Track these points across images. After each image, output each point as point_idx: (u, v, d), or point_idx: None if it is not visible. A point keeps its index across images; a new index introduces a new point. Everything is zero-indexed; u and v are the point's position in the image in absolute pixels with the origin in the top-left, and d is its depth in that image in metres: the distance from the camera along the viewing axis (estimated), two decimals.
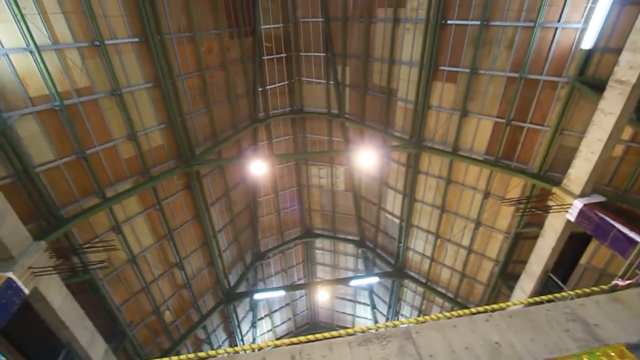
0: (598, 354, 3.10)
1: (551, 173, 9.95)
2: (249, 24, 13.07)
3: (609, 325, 3.43)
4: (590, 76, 8.49)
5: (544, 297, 4.43)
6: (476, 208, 12.22)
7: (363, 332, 3.70)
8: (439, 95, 11.60)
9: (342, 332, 3.70)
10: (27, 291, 6.40)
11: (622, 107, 7.06)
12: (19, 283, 6.23)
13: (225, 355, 4.06)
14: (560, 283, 9.22)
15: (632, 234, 7.07)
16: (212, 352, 4.04)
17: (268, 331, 20.40)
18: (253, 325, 18.59)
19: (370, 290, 19.27)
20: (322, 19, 13.53)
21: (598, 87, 7.88)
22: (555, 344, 3.30)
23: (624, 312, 3.58)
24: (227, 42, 12.26)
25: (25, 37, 6.95)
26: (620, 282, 4.37)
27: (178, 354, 12.99)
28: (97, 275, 9.44)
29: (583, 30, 8.32)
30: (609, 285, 4.22)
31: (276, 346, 3.89)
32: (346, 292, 20.38)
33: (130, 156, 9.86)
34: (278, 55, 14.39)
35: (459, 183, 12.42)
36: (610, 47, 8.04)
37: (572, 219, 8.32)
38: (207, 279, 14.50)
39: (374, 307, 19.58)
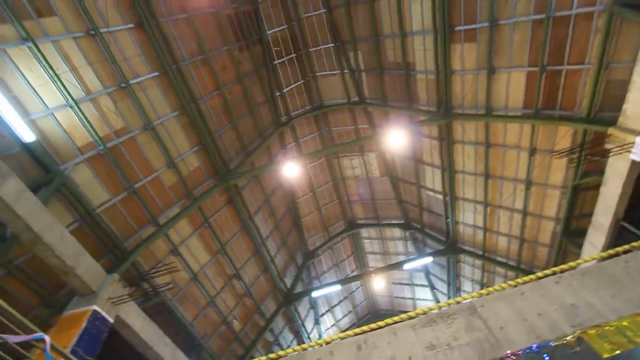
0: None
1: (602, 113, 9.03)
2: (255, 33, 13.28)
3: None
4: None
5: (619, 249, 4.06)
6: (524, 167, 11.46)
7: (425, 313, 3.65)
8: (459, 58, 11.00)
9: (403, 316, 3.67)
10: (111, 320, 7.13)
11: None
12: (103, 313, 6.97)
13: (295, 353, 4.20)
14: (635, 231, 8.41)
15: None
16: (282, 353, 4.19)
17: (332, 326, 20.76)
18: (316, 322, 19.02)
19: (426, 271, 18.86)
20: (324, 10, 13.37)
21: None
22: None
23: None
24: (237, 56, 12.56)
25: (63, 93, 7.64)
26: None
27: (252, 357, 13.72)
28: (166, 297, 10.24)
29: None
30: None
31: (341, 339, 3.95)
32: (401, 276, 20.12)
33: (173, 183, 10.51)
34: (288, 57, 14.47)
35: (500, 145, 11.71)
36: None
37: (638, 158, 7.56)
38: (265, 284, 15.09)
39: (432, 287, 19.16)
